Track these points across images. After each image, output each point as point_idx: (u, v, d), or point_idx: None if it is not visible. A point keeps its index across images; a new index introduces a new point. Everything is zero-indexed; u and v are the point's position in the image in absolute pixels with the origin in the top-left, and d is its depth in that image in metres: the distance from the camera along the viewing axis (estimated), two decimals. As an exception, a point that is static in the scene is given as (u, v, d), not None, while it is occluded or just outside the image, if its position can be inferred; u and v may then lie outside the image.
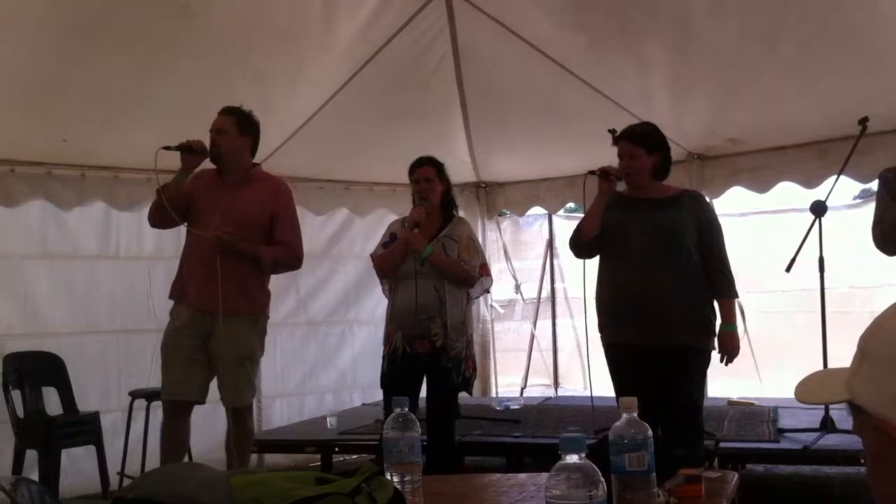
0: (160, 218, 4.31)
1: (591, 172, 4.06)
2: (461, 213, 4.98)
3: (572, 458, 1.53)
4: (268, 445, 5.75)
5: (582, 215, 4.32)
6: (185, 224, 4.31)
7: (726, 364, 4.03)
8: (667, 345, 3.84)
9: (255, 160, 4.49)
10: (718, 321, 3.98)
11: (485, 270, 4.71)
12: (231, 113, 4.30)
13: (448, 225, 4.64)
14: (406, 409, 2.12)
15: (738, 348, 4.00)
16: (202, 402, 4.34)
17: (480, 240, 7.73)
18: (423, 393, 4.57)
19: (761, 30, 5.07)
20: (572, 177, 7.23)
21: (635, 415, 1.83)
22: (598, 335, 4.13)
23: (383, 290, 4.79)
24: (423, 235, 4.49)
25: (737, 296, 4.05)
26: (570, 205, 7.83)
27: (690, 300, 3.88)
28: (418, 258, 4.43)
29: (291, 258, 4.41)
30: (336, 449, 5.46)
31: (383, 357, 4.61)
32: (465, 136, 7.05)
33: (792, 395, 1.07)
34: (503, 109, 6.61)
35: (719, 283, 3.96)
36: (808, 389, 1.06)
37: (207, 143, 4.22)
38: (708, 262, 3.94)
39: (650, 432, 1.82)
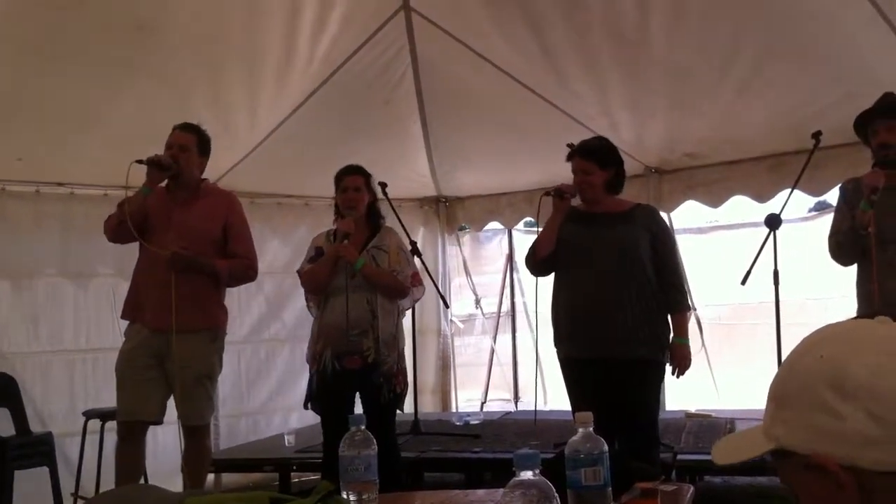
0: (119, 232, 4.22)
1: (546, 193, 4.10)
2: (421, 229, 4.93)
3: (526, 475, 1.54)
4: (224, 465, 5.67)
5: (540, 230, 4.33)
6: (141, 241, 4.24)
7: (678, 377, 4.08)
8: (622, 358, 3.87)
9: (213, 176, 4.47)
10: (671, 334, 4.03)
11: (416, 280, 4.60)
12: (192, 130, 4.27)
13: (376, 235, 4.52)
14: (363, 427, 2.11)
15: (689, 361, 4.04)
16: (159, 422, 4.29)
17: (440, 255, 7.75)
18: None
19: (717, 47, 5.16)
20: (531, 192, 7.27)
21: (591, 429, 1.84)
22: (554, 349, 4.14)
23: (308, 306, 4.65)
24: (353, 247, 4.37)
25: (689, 309, 4.10)
26: (530, 219, 7.86)
27: (645, 313, 3.91)
28: (350, 271, 4.30)
29: (247, 270, 4.40)
30: (294, 467, 5.41)
31: (310, 376, 4.48)
32: (425, 152, 7.07)
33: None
34: (463, 125, 6.64)
35: (673, 296, 4.01)
36: (726, 450, 1.08)
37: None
38: (661, 276, 3.99)
39: (606, 447, 1.83)
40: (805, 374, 0.98)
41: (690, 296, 6.82)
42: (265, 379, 6.90)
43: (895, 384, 0.91)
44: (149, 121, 4.92)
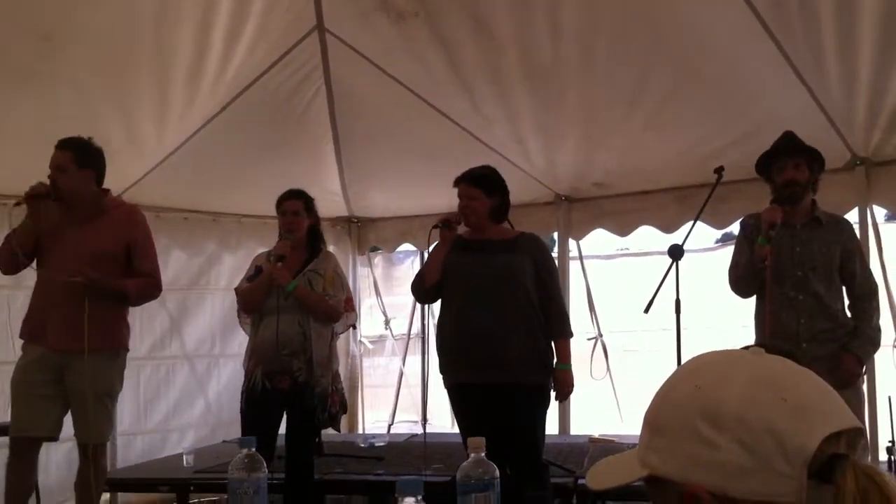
0: (13, 264, 4.12)
1: (435, 226, 4.17)
2: (331, 248, 4.92)
3: (409, 502, 1.52)
4: (120, 484, 5.51)
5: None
6: (34, 266, 4.12)
7: (560, 402, 4.18)
8: (507, 383, 3.91)
9: (118, 189, 4.34)
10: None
11: (349, 306, 4.68)
12: (67, 147, 4.10)
13: (314, 259, 4.57)
14: (253, 450, 2.06)
15: (571, 386, 4.11)
16: (54, 438, 4.16)
17: (351, 275, 7.71)
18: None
19: (626, 81, 5.25)
20: (442, 214, 7.28)
21: (483, 455, 1.83)
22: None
23: (242, 324, 4.68)
24: (288, 269, 4.42)
25: (572, 335, 4.18)
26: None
27: (529, 339, 3.97)
28: (282, 293, 4.35)
29: (153, 288, 4.31)
30: (192, 488, 5.27)
31: (241, 393, 4.50)
32: (337, 171, 7.04)
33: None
34: (376, 146, 6.64)
35: (555, 322, 4.09)
36: (599, 475, 1.08)
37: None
38: (545, 303, 4.05)
39: (497, 472, 1.82)
40: (680, 403, 0.98)
41: (596, 322, 6.96)
42: (165, 397, 6.74)
43: (765, 414, 0.92)
44: (53, 131, 4.75)
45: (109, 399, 4.15)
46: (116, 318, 4.18)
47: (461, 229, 4.19)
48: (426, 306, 8.36)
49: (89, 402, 4.01)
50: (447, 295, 4.14)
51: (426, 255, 8.22)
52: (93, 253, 4.07)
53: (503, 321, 3.93)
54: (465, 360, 3.99)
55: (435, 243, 4.26)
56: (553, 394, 4.10)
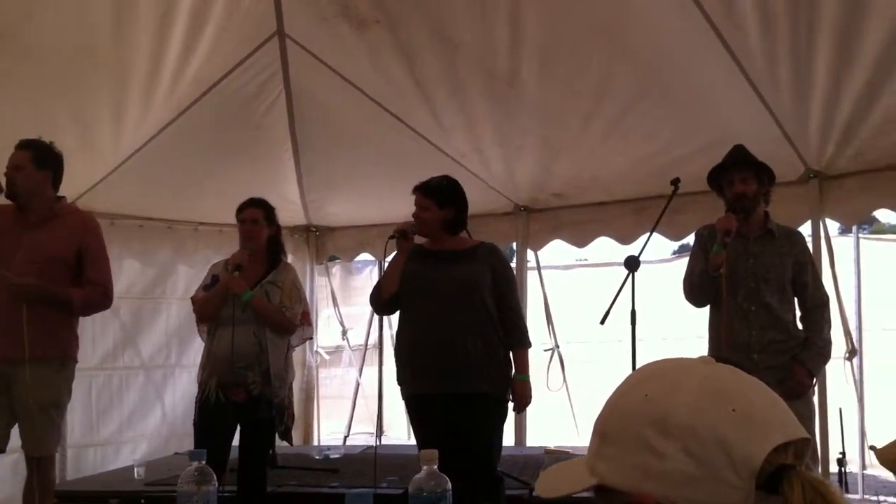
0: None
1: (391, 237, 4.15)
2: (290, 259, 4.86)
3: (359, 514, 1.50)
4: (68, 497, 5.38)
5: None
6: None
7: (518, 412, 4.16)
8: (464, 393, 3.89)
9: (72, 195, 4.26)
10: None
11: (306, 319, 4.61)
12: (27, 147, 4.07)
13: (273, 271, 4.51)
14: (203, 462, 2.02)
15: (529, 397, 4.10)
16: (2, 450, 4.07)
17: (309, 284, 7.66)
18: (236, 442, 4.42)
19: (585, 92, 5.29)
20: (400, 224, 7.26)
21: (435, 467, 1.82)
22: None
23: (200, 335, 4.60)
24: (245, 279, 4.35)
25: (530, 345, 4.17)
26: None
27: (487, 350, 3.95)
28: (238, 303, 4.29)
29: (102, 299, 4.21)
30: (143, 501, 5.17)
31: (195, 404, 4.43)
32: (296, 179, 7.00)
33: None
34: (336, 154, 6.61)
35: (514, 333, 4.08)
36: (549, 483, 1.07)
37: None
38: (503, 313, 4.04)
39: (449, 485, 1.80)
40: (629, 411, 0.98)
41: (553, 333, 6.98)
42: (117, 408, 6.63)
43: (714, 424, 0.92)
44: (5, 133, 4.68)
45: (56, 410, 4.06)
46: (62, 326, 4.09)
47: (421, 239, 4.16)
48: (384, 317, 8.36)
49: (33, 412, 3.93)
50: (405, 305, 4.12)
51: (384, 266, 8.29)
52: (42, 257, 3.99)
53: (461, 331, 3.91)
54: (423, 371, 3.97)
55: (393, 254, 4.24)
56: (511, 405, 4.09)
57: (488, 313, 3.98)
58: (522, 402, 4.07)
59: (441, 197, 4.06)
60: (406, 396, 4.11)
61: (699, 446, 0.91)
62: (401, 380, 4.10)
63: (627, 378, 1.05)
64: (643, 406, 0.97)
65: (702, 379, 0.97)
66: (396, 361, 4.13)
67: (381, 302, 4.17)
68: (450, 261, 4.04)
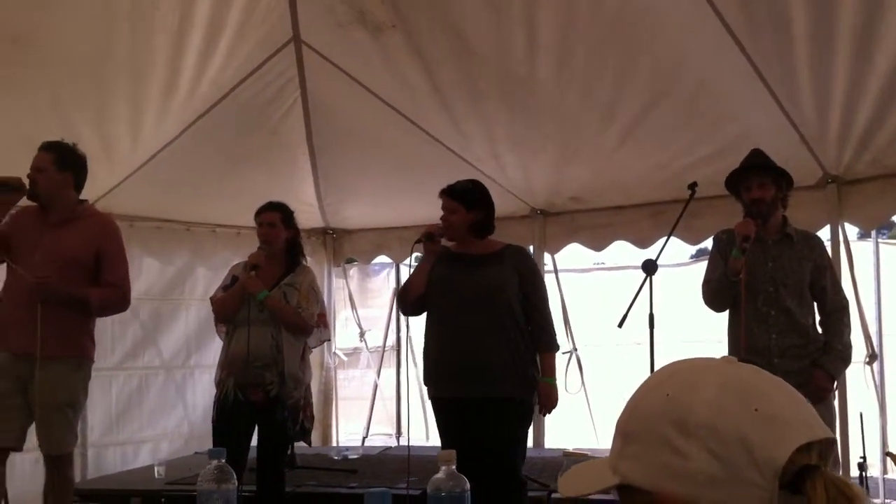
0: None
1: (418, 241, 4.16)
2: (308, 261, 4.89)
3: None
4: (89, 495, 5.42)
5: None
6: (8, 261, 4.07)
7: (544, 416, 4.15)
8: (490, 397, 3.89)
9: (92, 197, 4.30)
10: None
11: (322, 321, 4.64)
12: (50, 149, 4.12)
13: (291, 273, 4.55)
14: (223, 461, 2.05)
15: (556, 400, 4.10)
16: (19, 448, 4.10)
17: (326, 287, 7.68)
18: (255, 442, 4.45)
19: (602, 96, 5.28)
20: (419, 227, 7.27)
21: (454, 468, 1.83)
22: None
23: (219, 334, 4.64)
24: (262, 280, 4.39)
25: (558, 349, 4.18)
26: (419, 254, 7.84)
27: (514, 353, 3.96)
28: (255, 303, 4.32)
29: (119, 300, 4.24)
30: (163, 500, 5.19)
31: (213, 404, 4.47)
32: (312, 183, 7.03)
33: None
34: (352, 158, 6.63)
35: (541, 336, 4.07)
36: (571, 483, 1.08)
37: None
38: (530, 316, 4.05)
39: (468, 485, 1.82)
40: (650, 411, 0.98)
41: (571, 336, 6.97)
42: (137, 408, 6.67)
43: (736, 423, 0.92)
44: (27, 138, 4.72)
45: (71, 409, 4.09)
46: (79, 326, 4.11)
47: (448, 242, 4.17)
48: (401, 319, 8.37)
49: (49, 411, 3.97)
50: (432, 308, 4.13)
51: (401, 268, 8.32)
52: (61, 258, 4.03)
53: (488, 335, 3.92)
54: (449, 374, 3.98)
55: (417, 255, 4.25)
56: (537, 408, 4.09)
57: (515, 317, 3.98)
58: (549, 405, 4.07)
59: (469, 200, 4.08)
60: (432, 398, 4.13)
61: (721, 446, 0.91)
62: (427, 381, 4.12)
63: (649, 378, 1.05)
64: (665, 405, 0.97)
65: (723, 378, 0.97)
66: (424, 363, 4.15)
67: (408, 303, 4.19)
68: (477, 264, 4.05)
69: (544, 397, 4.05)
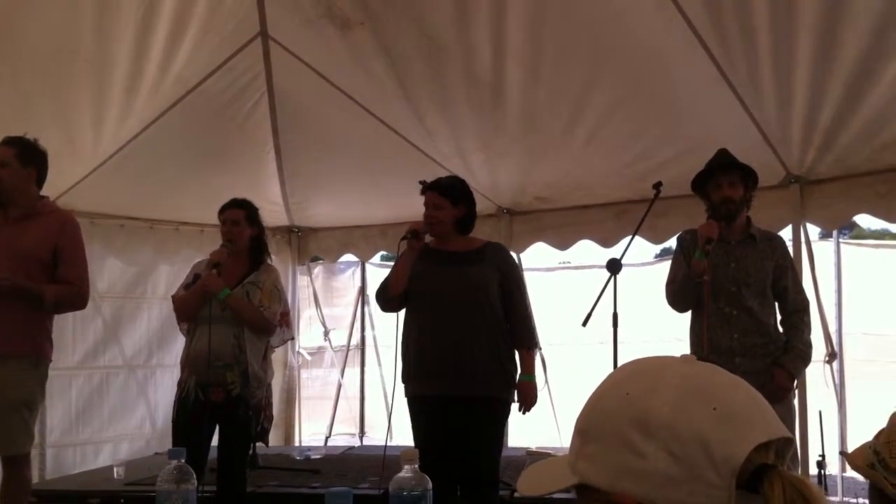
0: None
1: (403, 238, 4.13)
2: (273, 259, 4.84)
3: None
4: (47, 496, 5.34)
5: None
6: None
7: (524, 413, 4.13)
8: (470, 395, 3.89)
9: (53, 194, 4.24)
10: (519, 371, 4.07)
11: (285, 320, 4.60)
12: (12, 144, 4.07)
13: (255, 272, 4.50)
14: (182, 461, 2.02)
15: (535, 398, 4.10)
16: None
17: (291, 285, 7.64)
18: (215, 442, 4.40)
19: (567, 96, 5.29)
20: (386, 225, 7.30)
21: (416, 466, 1.82)
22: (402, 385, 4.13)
23: (181, 332, 4.59)
24: (225, 278, 4.33)
25: (537, 346, 4.17)
26: (384, 253, 7.84)
27: (494, 351, 3.97)
28: (216, 301, 4.27)
29: (76, 297, 4.17)
30: (122, 501, 5.14)
31: (174, 403, 4.41)
32: (278, 180, 6.98)
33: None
34: (318, 156, 6.60)
35: (520, 333, 4.09)
36: (531, 481, 1.07)
37: None
38: (510, 314, 4.05)
39: (430, 484, 1.81)
40: (610, 410, 0.98)
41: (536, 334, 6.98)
42: (97, 408, 6.59)
43: (694, 423, 0.91)
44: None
45: (27, 409, 4.02)
46: (34, 323, 4.05)
47: (428, 238, 4.16)
48: (366, 318, 8.36)
49: (3, 409, 3.91)
50: (412, 305, 4.12)
51: (367, 267, 8.29)
52: (18, 254, 3.98)
53: (468, 333, 3.93)
54: (428, 372, 3.98)
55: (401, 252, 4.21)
56: (516, 405, 4.09)
57: (495, 314, 3.99)
58: (528, 402, 4.08)
59: (454, 195, 4.09)
60: (409, 396, 4.10)
61: (679, 445, 0.91)
62: (405, 378, 4.10)
63: (608, 376, 1.04)
64: (624, 404, 0.96)
65: (682, 377, 0.97)
66: (403, 361, 4.12)
67: (388, 299, 4.16)
68: (458, 261, 4.05)
69: (524, 395, 4.06)
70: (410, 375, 4.09)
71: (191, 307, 4.38)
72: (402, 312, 4.23)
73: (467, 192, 4.18)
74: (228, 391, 4.27)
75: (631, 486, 0.92)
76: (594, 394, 1.03)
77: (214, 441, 4.39)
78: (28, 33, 4.57)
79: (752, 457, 0.90)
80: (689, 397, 0.94)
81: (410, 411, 4.13)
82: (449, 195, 4.08)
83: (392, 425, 7.23)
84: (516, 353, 4.10)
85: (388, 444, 4.54)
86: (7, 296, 3.89)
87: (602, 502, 0.95)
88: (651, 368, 1.02)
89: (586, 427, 1.00)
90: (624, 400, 0.97)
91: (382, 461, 4.41)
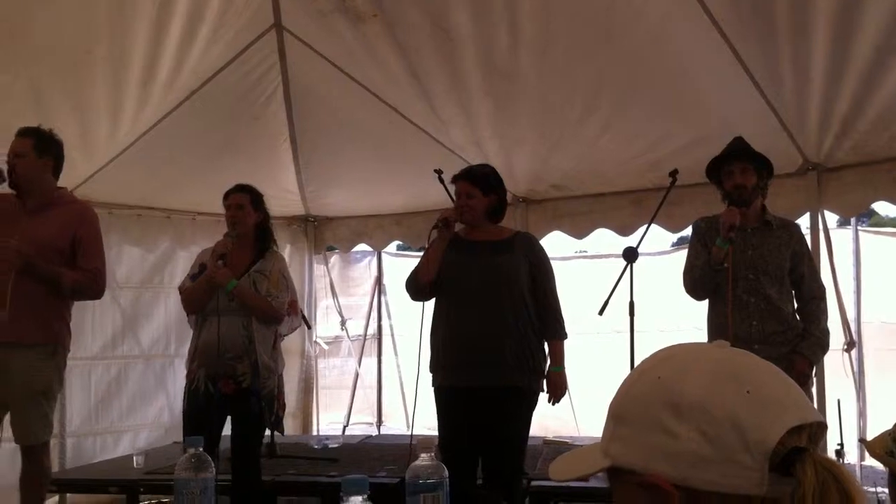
0: None
1: (435, 226, 4.11)
2: (287, 247, 4.82)
3: (355, 500, 1.50)
4: (68, 485, 5.41)
5: (410, 253, 4.35)
6: None
7: (553, 404, 4.13)
8: (499, 386, 3.88)
9: (71, 185, 4.26)
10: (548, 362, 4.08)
11: (293, 308, 4.58)
12: (28, 134, 4.09)
13: (260, 259, 4.46)
14: (200, 449, 2.03)
15: (565, 389, 4.12)
16: None
17: (307, 275, 7.66)
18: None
19: (583, 84, 5.27)
20: (401, 215, 7.30)
21: (433, 454, 1.82)
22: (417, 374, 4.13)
23: (189, 324, 4.56)
24: (232, 268, 4.29)
25: (566, 337, 4.17)
26: (399, 242, 7.85)
27: (523, 342, 3.96)
28: (224, 293, 4.24)
29: (93, 286, 4.19)
30: (142, 489, 5.18)
31: (184, 395, 4.40)
32: (294, 170, 7.00)
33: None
34: (334, 145, 6.60)
35: (550, 324, 4.08)
36: (563, 466, 1.08)
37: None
38: (539, 304, 4.04)
39: (446, 473, 1.81)
40: (643, 394, 0.99)
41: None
42: (116, 397, 6.62)
43: (728, 405, 0.92)
44: (4, 124, 4.66)
45: (45, 398, 4.04)
46: (52, 311, 4.08)
47: (457, 227, 4.15)
48: (382, 308, 8.36)
49: (22, 399, 3.94)
50: (442, 295, 4.10)
51: (383, 256, 8.29)
52: (37, 243, 3.99)
53: (497, 323, 3.92)
54: (458, 362, 3.97)
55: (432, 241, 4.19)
56: (546, 396, 4.09)
57: (524, 304, 3.98)
58: (558, 393, 4.08)
59: (486, 184, 4.09)
60: (437, 386, 4.10)
61: (712, 427, 0.91)
62: (433, 368, 4.09)
63: (642, 362, 1.05)
64: (656, 387, 0.97)
65: (715, 361, 0.98)
66: (432, 350, 4.11)
67: (418, 288, 4.15)
68: (488, 251, 4.04)
69: (554, 386, 4.06)
70: (439, 365, 4.08)
71: (199, 300, 4.35)
72: (423, 303, 4.22)
73: (498, 181, 4.17)
74: (239, 383, 4.26)
75: (663, 466, 0.93)
76: (626, 380, 1.04)
77: (227, 430, 4.40)
78: (43, 26, 4.57)
79: (784, 440, 0.90)
80: (722, 380, 0.95)
81: (437, 402, 4.11)
82: (480, 183, 4.08)
83: (410, 414, 7.34)
84: (545, 343, 4.09)
85: (406, 432, 4.54)
86: (27, 275, 3.91)
87: (634, 484, 0.96)
88: (684, 353, 1.03)
89: (619, 411, 1.01)
90: (656, 383, 0.98)
91: (410, 448, 4.40)
